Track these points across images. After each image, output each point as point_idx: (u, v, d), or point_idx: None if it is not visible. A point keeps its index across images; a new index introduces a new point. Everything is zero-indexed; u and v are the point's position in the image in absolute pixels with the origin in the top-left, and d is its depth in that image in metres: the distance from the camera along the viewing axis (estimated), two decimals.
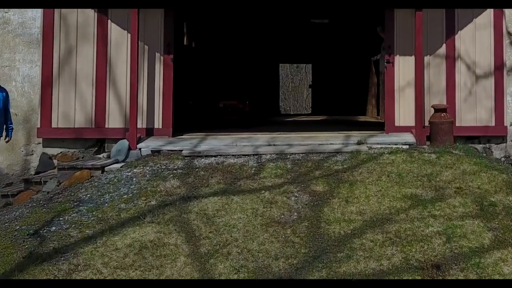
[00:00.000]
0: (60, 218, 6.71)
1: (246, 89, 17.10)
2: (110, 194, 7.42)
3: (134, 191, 7.48)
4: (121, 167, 8.86)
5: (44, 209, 7.13)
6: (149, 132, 10.33)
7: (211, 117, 13.42)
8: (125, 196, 7.34)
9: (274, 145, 9.76)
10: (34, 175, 9.92)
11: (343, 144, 9.79)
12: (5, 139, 9.25)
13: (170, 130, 10.36)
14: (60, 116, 10.23)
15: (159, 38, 10.43)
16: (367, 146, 9.61)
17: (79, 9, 10.24)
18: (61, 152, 10.34)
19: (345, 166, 8.37)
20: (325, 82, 23.66)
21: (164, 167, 8.60)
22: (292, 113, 35.52)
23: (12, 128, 9.32)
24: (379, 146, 9.67)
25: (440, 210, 6.76)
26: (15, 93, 10.35)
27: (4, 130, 9.21)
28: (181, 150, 9.48)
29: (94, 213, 6.73)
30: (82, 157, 10.28)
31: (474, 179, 7.86)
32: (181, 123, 12.71)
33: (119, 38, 10.27)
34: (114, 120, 10.28)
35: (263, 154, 9.18)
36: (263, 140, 10.08)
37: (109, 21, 10.33)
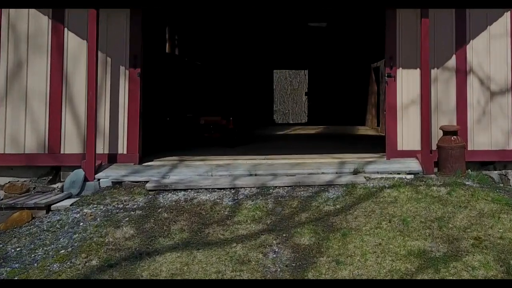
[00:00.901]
0: None
1: (233, 101, 15.61)
2: (45, 248, 6.01)
3: (76, 244, 6.08)
4: (71, 204, 7.47)
5: None
6: (112, 158, 8.94)
7: (190, 135, 12.02)
8: (63, 251, 5.93)
9: (255, 175, 8.36)
10: None
11: (336, 173, 8.39)
12: None
13: (136, 156, 8.96)
14: (7, 140, 8.82)
15: (124, 49, 9.03)
16: (365, 177, 8.21)
17: (30, 16, 8.84)
18: (9, 182, 8.94)
19: (337, 206, 6.98)
20: (322, 90, 22.28)
21: (122, 206, 7.20)
22: (287, 122, 34.16)
23: None
24: (379, 176, 8.28)
25: (455, 273, 5.36)
26: None
27: None
28: (146, 182, 8.10)
29: (15, 278, 5.32)
30: (34, 188, 8.88)
31: (494, 224, 6.46)
32: (155, 142, 11.32)
33: (78, 49, 8.87)
34: (71, 144, 8.88)
35: (241, 187, 7.79)
36: (243, 168, 8.69)
37: (65, 29, 8.92)
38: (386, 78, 9.41)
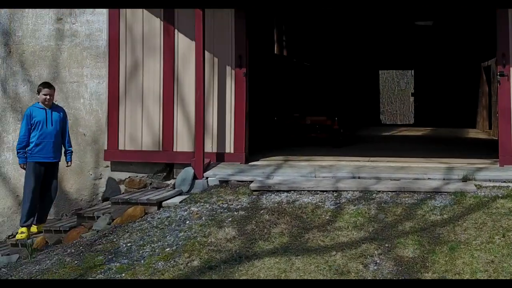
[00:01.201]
0: None
1: (339, 102, 15.02)
2: (153, 245, 5.92)
3: (180, 242, 5.93)
4: (180, 202, 7.38)
5: (75, 262, 5.78)
6: (220, 157, 8.78)
7: (297, 134, 11.66)
8: (168, 249, 5.81)
9: (358, 177, 7.84)
10: (88, 208, 8.71)
11: (444, 180, 7.66)
12: (66, 164, 8.11)
13: (243, 155, 8.73)
14: (127, 138, 8.95)
15: (229, 49, 8.81)
16: (475, 185, 7.43)
17: (144, 18, 8.88)
18: (129, 177, 9.07)
19: (444, 216, 6.31)
20: (429, 90, 21.06)
21: (226, 205, 6.99)
22: (394, 122, 32.88)
23: (71, 152, 8.15)
24: (491, 184, 7.45)
25: None
26: (83, 111, 9.20)
27: (63, 154, 8.07)
28: (251, 181, 7.85)
29: (123, 275, 5.25)
30: (150, 183, 8.95)
31: None
32: (262, 142, 11.09)
33: (187, 50, 8.77)
34: (182, 142, 8.84)
35: (344, 190, 7.31)
36: (346, 170, 8.19)
37: (176, 30, 8.87)
38: (498, 77, 8.48)
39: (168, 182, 8.84)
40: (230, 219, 6.53)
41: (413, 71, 22.78)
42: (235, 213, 6.71)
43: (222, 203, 7.10)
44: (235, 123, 8.78)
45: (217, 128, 8.81)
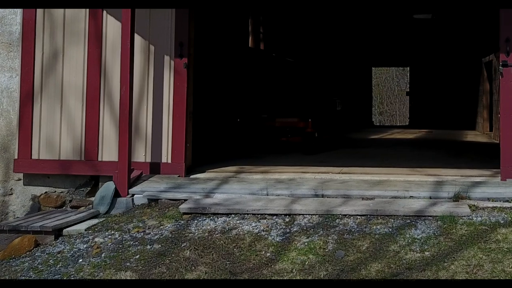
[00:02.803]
0: None
1: (317, 101, 13.26)
2: None
3: None
4: (87, 229, 5.71)
5: None
6: (155, 168, 7.12)
7: (264, 139, 10.00)
8: None
9: (322, 195, 6.18)
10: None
11: (430, 198, 5.99)
12: None
13: (182, 166, 7.07)
14: (42, 144, 7.29)
15: (168, 34, 7.16)
16: (470, 205, 5.76)
17: None
18: (45, 193, 7.40)
19: (426, 253, 4.64)
20: (425, 89, 19.37)
21: (141, 235, 5.33)
22: (393, 124, 31.24)
23: None
24: (490, 205, 5.78)
25: None
26: None
27: None
28: (186, 200, 6.20)
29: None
30: (70, 200, 7.29)
31: None
32: (220, 148, 9.42)
33: (118, 37, 7.06)
34: (109, 150, 7.17)
35: (299, 214, 5.64)
36: (309, 185, 6.52)
37: (104, 13, 7.22)
38: (500, 68, 6.81)
39: (92, 198, 7.17)
40: (137, 256, 4.86)
41: (408, 68, 21.04)
42: (148, 247, 5.04)
43: (138, 231, 5.43)
44: (173, 126, 7.11)
45: (152, 132, 7.15)
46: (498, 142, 8.49)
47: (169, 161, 7.10)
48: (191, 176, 7.10)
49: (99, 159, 7.19)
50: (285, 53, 14.65)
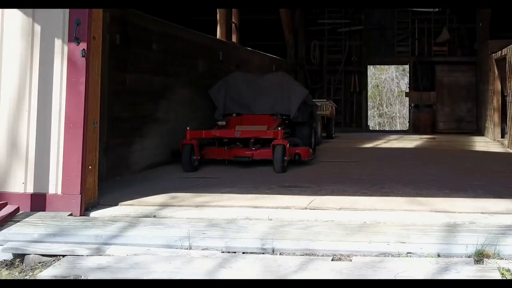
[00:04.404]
0: None
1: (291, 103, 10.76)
2: None
3: None
4: None
5: None
6: (38, 202, 4.94)
7: (219, 154, 7.80)
8: None
9: (272, 251, 4.01)
10: None
11: (438, 256, 3.85)
12: None
13: (78, 199, 4.88)
14: None
15: (60, 10, 5.01)
16: (501, 269, 3.64)
17: None
18: None
19: None
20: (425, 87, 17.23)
21: None
22: (393, 125, 29.11)
23: None
24: None
25: None
26: None
27: None
28: (64, 256, 4.04)
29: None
30: None
31: None
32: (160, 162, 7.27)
33: None
34: None
35: None
36: (256, 232, 4.33)
37: None
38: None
39: None
40: None
41: (408, 64, 18.83)
42: None
43: None
44: (65, 139, 4.93)
45: (36, 150, 4.98)
46: None
47: (60, 192, 4.93)
48: (91, 214, 4.93)
49: None
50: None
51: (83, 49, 4.91)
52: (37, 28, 5.02)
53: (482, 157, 9.64)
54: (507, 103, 12.45)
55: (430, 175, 7.05)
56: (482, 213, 4.81)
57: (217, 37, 11.37)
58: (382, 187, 6.15)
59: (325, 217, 4.71)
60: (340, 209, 4.99)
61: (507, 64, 12.05)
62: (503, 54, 12.48)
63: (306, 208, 5.03)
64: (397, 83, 35.52)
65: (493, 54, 13.58)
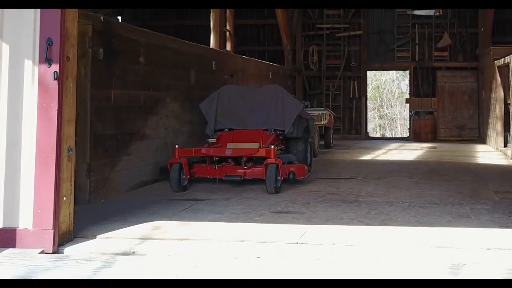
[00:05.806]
0: None
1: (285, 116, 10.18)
2: None
3: None
4: None
5: None
6: (8, 238, 4.54)
7: (208, 173, 7.40)
8: None
9: None
10: None
11: None
12: None
13: (50, 235, 4.48)
14: None
15: (31, 26, 4.60)
16: None
17: None
18: None
19: None
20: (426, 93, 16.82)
21: None
22: (393, 128, 28.61)
23: None
24: None
25: None
26: None
27: None
28: None
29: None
30: None
31: None
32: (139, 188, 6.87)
33: None
34: None
35: None
36: (242, 275, 3.94)
37: None
38: None
39: None
40: None
41: (409, 70, 18.41)
42: None
43: None
44: (36, 171, 4.54)
45: (5, 180, 4.59)
46: None
47: (31, 226, 4.53)
48: (66, 250, 4.54)
49: None
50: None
51: (55, 71, 4.51)
52: (5, 48, 4.63)
53: (481, 169, 9.29)
54: (511, 112, 12.08)
55: (431, 197, 6.65)
56: (497, 248, 4.41)
57: (211, 46, 10.98)
58: (380, 212, 5.76)
59: (317, 255, 4.31)
60: (334, 244, 4.59)
61: (510, 72, 11.67)
62: (506, 61, 12.10)
63: (297, 243, 4.63)
64: (398, 84, 35.18)
65: (496, 61, 13.19)
